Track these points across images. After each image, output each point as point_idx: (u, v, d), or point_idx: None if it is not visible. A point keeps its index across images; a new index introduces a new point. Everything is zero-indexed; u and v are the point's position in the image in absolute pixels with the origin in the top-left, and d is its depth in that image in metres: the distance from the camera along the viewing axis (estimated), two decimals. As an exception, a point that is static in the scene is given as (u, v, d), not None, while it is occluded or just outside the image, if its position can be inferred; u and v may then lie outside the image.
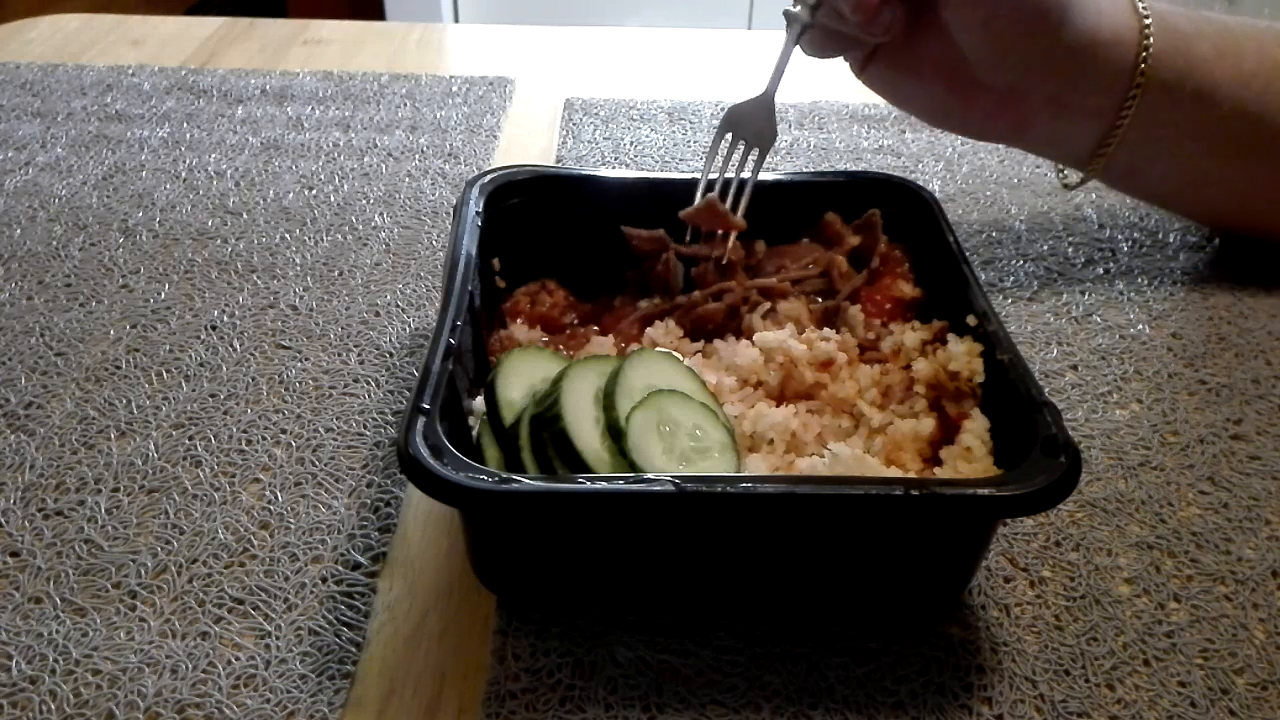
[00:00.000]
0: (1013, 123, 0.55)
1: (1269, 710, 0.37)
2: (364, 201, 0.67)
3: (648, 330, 0.48)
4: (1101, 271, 0.60)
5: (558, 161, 0.72)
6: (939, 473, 0.41)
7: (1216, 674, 0.38)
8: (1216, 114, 0.53)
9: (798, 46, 0.52)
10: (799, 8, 0.51)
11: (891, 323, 0.47)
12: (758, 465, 0.40)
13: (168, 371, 0.51)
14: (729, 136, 0.51)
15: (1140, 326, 0.56)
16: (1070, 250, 0.62)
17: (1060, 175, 0.60)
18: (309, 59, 0.89)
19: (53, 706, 0.35)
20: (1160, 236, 0.64)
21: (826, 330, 0.47)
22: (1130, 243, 0.63)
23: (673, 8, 2.04)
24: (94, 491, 0.44)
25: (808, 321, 0.48)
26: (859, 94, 0.82)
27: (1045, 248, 0.63)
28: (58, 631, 0.38)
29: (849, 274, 0.49)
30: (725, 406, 0.42)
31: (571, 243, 0.50)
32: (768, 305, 0.48)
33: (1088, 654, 0.38)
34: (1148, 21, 0.52)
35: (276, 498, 0.44)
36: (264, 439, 0.47)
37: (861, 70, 0.55)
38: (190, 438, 0.47)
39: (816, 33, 0.52)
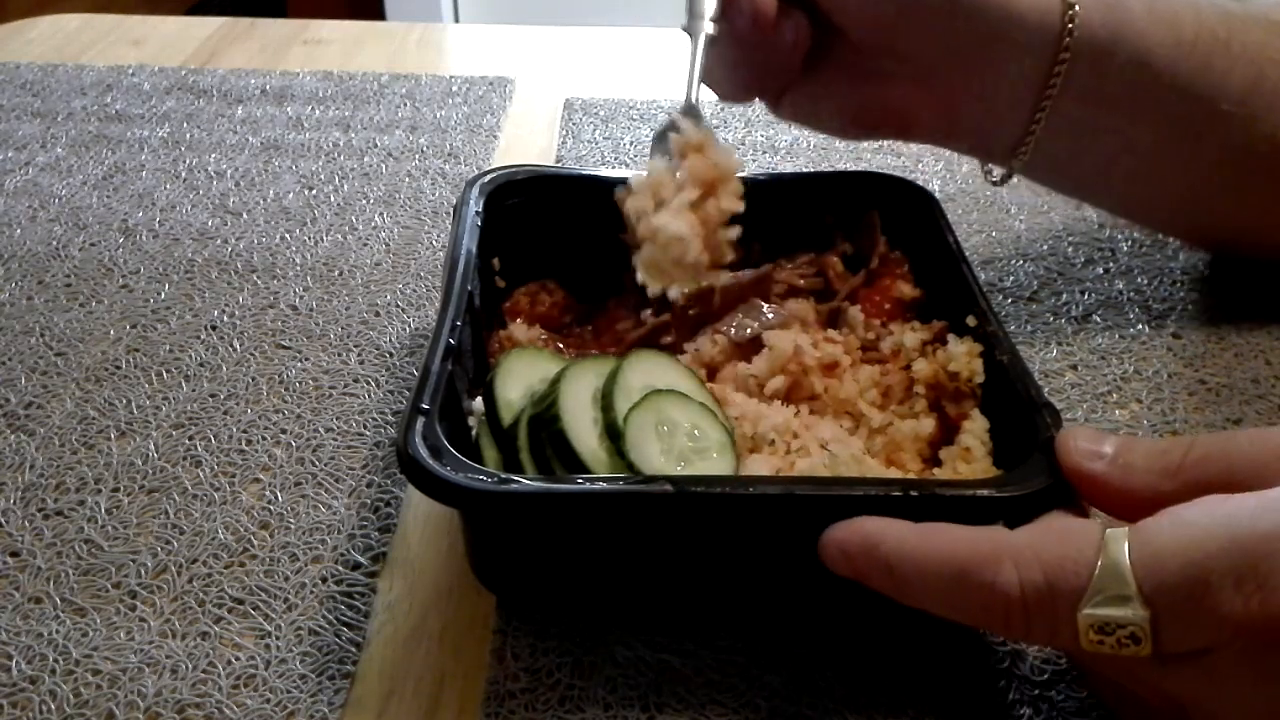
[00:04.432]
0: (939, 119, 0.51)
1: (1268, 710, 0.37)
2: (364, 201, 0.67)
3: (699, 341, 0.46)
4: (1101, 271, 0.60)
5: (558, 161, 0.72)
6: (938, 473, 0.41)
7: (1216, 674, 0.38)
8: (1154, 87, 0.50)
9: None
10: (701, 23, 0.48)
11: (891, 323, 0.47)
12: (758, 465, 0.40)
13: (168, 371, 0.51)
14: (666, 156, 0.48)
15: (1140, 326, 0.56)
16: (1070, 250, 0.62)
17: (987, 172, 0.56)
18: (309, 59, 0.89)
19: (53, 706, 0.35)
20: (1160, 236, 0.64)
21: (832, 332, 0.47)
22: (1130, 243, 0.63)
23: (672, 8, 2.04)
24: (94, 491, 0.44)
25: (813, 322, 0.48)
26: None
27: (1045, 248, 0.62)
28: (58, 631, 0.38)
29: (845, 275, 0.49)
30: (725, 407, 0.42)
31: (571, 243, 0.50)
32: (775, 307, 0.48)
33: (1087, 654, 0.38)
34: None
35: (276, 498, 0.44)
36: (264, 439, 0.47)
37: (776, 104, 0.52)
38: (190, 438, 0.47)
39: (725, 71, 0.49)
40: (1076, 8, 0.48)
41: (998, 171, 0.55)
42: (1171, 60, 0.49)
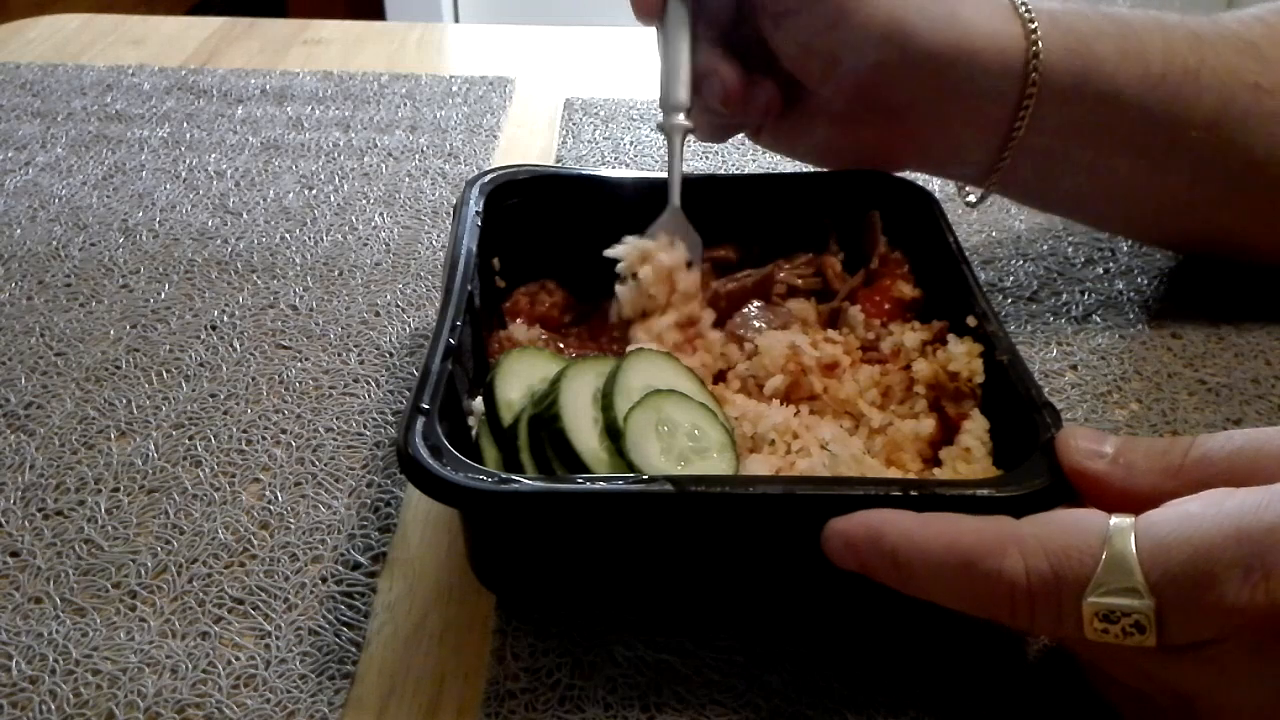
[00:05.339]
0: (911, 155, 0.53)
1: (1268, 710, 0.37)
2: (364, 201, 0.67)
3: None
4: (1101, 271, 0.60)
5: (558, 161, 0.72)
6: (938, 473, 0.41)
7: (1216, 674, 0.38)
8: (1122, 119, 0.50)
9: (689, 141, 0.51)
10: (676, 117, 0.49)
11: (891, 323, 0.47)
12: (758, 465, 0.40)
13: (168, 371, 0.51)
14: None
15: (1140, 326, 0.56)
16: (1070, 250, 0.62)
17: (962, 194, 0.58)
18: (309, 59, 0.89)
19: (53, 706, 0.35)
20: (1160, 237, 0.64)
21: (832, 332, 0.47)
22: (1130, 242, 0.63)
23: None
24: (94, 491, 0.44)
25: (814, 322, 0.48)
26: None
27: (1045, 248, 0.62)
28: (58, 631, 0.38)
29: (843, 275, 0.49)
30: (726, 407, 0.42)
31: (571, 243, 0.50)
32: (777, 307, 0.48)
33: (1087, 654, 0.38)
34: (1033, 25, 0.49)
35: (276, 498, 0.44)
36: (264, 439, 0.47)
37: (755, 137, 0.55)
38: (190, 438, 0.47)
39: (704, 126, 0.52)
40: (1038, 55, 0.49)
41: (975, 194, 0.56)
42: (1139, 95, 0.50)
